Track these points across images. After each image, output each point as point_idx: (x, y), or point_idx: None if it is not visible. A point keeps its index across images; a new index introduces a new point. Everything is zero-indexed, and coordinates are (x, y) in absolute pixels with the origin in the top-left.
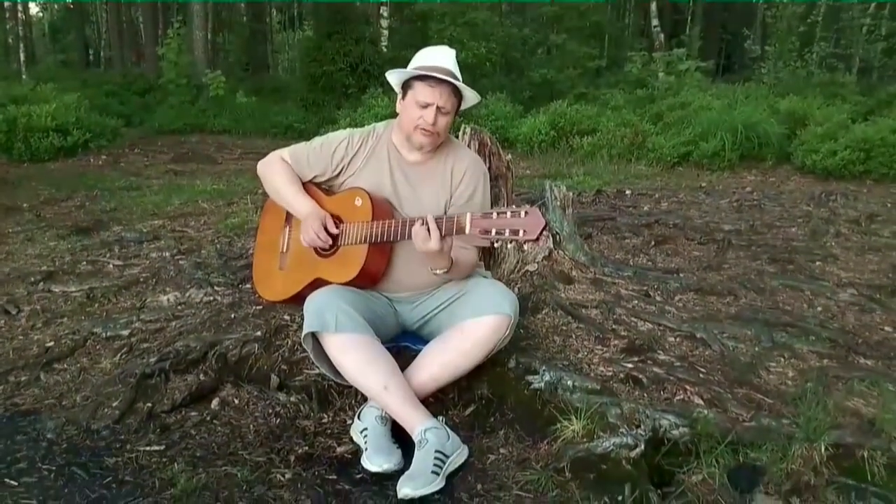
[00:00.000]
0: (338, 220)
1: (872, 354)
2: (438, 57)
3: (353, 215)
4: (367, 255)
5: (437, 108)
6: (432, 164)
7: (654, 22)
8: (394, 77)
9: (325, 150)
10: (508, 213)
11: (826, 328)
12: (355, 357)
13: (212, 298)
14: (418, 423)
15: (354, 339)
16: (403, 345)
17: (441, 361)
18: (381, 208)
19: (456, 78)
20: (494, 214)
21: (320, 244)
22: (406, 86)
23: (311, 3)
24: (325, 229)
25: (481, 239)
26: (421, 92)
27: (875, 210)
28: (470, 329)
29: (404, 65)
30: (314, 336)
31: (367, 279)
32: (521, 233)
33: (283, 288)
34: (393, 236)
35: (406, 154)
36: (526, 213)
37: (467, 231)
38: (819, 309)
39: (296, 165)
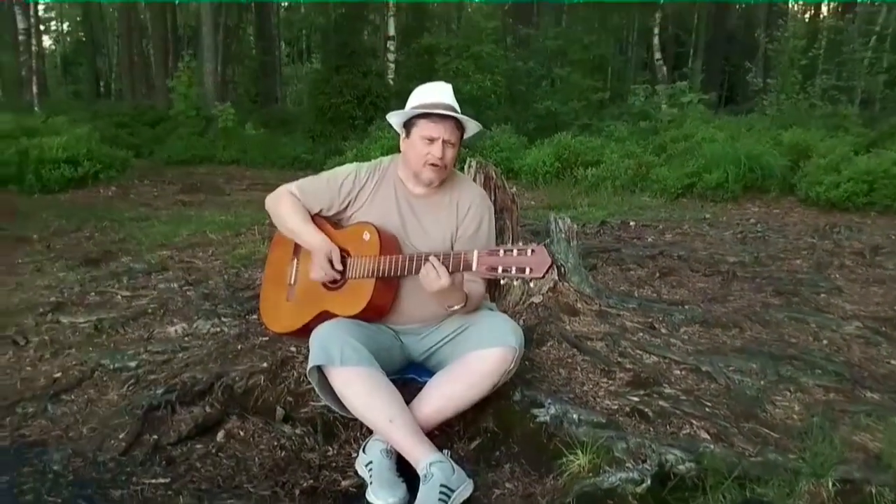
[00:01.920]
0: (346, 254)
1: (878, 388)
2: (436, 93)
3: (361, 249)
4: (374, 289)
5: (444, 141)
6: (438, 198)
7: (657, 55)
8: (396, 118)
9: (333, 183)
10: (515, 252)
11: (832, 361)
12: (360, 390)
13: (219, 329)
14: (423, 456)
15: (360, 373)
16: (409, 377)
17: (446, 394)
18: (389, 243)
19: (456, 111)
20: (501, 252)
21: (328, 279)
22: (409, 125)
23: (321, 32)
24: (332, 264)
25: (488, 275)
26: (426, 128)
27: (879, 242)
28: (475, 361)
29: (408, 98)
30: (319, 369)
31: (374, 313)
32: (527, 270)
33: (290, 320)
34: (400, 271)
35: (412, 187)
36: (532, 251)
37: (474, 268)
38: (824, 342)
39: (303, 199)
